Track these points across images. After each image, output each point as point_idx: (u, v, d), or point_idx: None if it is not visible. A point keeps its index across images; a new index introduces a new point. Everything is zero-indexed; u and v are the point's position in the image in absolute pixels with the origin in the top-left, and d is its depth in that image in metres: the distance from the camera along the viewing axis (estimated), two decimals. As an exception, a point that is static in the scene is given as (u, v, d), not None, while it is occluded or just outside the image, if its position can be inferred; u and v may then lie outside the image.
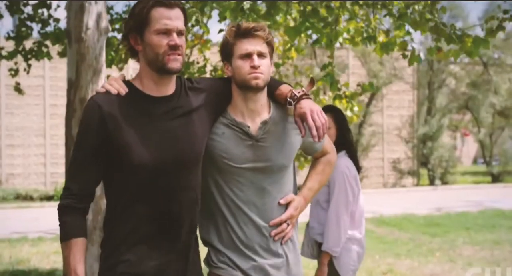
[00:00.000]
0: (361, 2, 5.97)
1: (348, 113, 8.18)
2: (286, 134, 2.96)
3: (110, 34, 8.45)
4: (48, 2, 8.33)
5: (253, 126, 2.93)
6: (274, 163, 2.93)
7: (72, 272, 2.62)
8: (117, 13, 8.78)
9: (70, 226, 2.69)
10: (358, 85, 7.30)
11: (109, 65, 8.58)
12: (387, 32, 6.07)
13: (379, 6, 5.91)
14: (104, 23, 6.24)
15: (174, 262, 2.80)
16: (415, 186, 27.75)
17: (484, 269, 8.35)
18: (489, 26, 5.52)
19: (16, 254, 10.57)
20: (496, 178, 28.98)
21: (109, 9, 8.61)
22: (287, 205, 2.97)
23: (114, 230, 2.78)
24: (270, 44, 2.92)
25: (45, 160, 23.99)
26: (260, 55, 2.88)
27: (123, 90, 2.75)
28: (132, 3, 8.70)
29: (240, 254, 2.92)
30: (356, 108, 8.13)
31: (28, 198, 21.63)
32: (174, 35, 2.69)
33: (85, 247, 2.69)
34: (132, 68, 20.36)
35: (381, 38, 6.27)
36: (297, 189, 3.10)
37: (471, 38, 5.32)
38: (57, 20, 8.45)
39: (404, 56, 5.86)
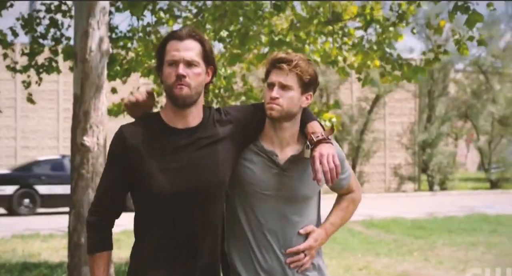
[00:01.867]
0: (326, 32, 6.89)
1: (327, 124, 9.14)
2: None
3: (115, 50, 9.38)
4: (59, 22, 9.28)
5: (282, 155, 2.97)
6: (297, 193, 2.96)
7: None
8: (121, 32, 9.69)
9: (95, 241, 2.85)
10: (325, 103, 8.23)
11: (113, 78, 9.49)
12: (345, 59, 7.00)
13: (339, 38, 6.86)
14: (106, 46, 7.14)
15: None
16: (415, 191, 28.56)
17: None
18: (427, 57, 6.46)
19: (28, 249, 11.40)
20: (494, 185, 29.68)
21: (114, 28, 9.51)
22: (307, 236, 3.00)
23: (136, 252, 2.88)
24: (299, 76, 2.89)
25: (58, 162, 24.97)
26: (283, 86, 2.88)
27: (140, 98, 2.94)
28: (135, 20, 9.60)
29: None
30: (334, 119, 9.08)
31: (42, 197, 22.58)
32: (180, 65, 2.75)
33: (109, 258, 2.89)
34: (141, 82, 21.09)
35: (354, 62, 7.23)
36: (320, 221, 3.14)
37: (411, 66, 6.25)
38: (68, 38, 9.38)
39: (359, 79, 6.81)
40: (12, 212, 18.34)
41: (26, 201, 18.41)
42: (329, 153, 2.83)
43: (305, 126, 3.00)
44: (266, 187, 2.94)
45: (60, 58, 9.33)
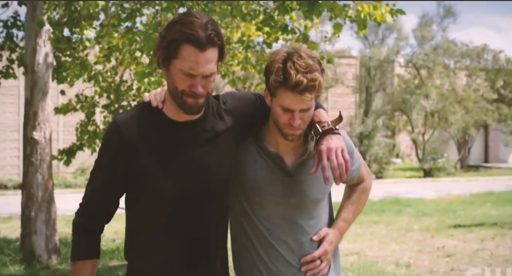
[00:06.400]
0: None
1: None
2: None
3: (63, 59, 11.13)
4: (14, 34, 11.02)
5: (288, 158, 2.66)
6: (308, 198, 2.66)
7: None
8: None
9: (79, 247, 2.58)
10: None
11: (61, 81, 11.24)
12: (233, 72, 9.01)
13: (230, 57, 8.84)
14: (50, 59, 9.01)
15: None
16: (354, 180, 30.57)
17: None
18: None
19: (-12, 229, 12.72)
20: (427, 173, 31.77)
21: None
22: (321, 240, 2.71)
23: (139, 258, 2.60)
24: (317, 95, 2.53)
25: (19, 153, 25.51)
26: (303, 110, 2.52)
27: (160, 105, 2.54)
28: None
29: None
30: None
31: (3, 187, 23.98)
32: (198, 80, 2.39)
33: (94, 266, 2.58)
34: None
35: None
36: (333, 215, 2.87)
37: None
38: (22, 48, 11.11)
39: (244, 88, 8.87)
40: None
41: None
42: (338, 146, 2.53)
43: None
44: (271, 193, 2.63)
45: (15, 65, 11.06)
